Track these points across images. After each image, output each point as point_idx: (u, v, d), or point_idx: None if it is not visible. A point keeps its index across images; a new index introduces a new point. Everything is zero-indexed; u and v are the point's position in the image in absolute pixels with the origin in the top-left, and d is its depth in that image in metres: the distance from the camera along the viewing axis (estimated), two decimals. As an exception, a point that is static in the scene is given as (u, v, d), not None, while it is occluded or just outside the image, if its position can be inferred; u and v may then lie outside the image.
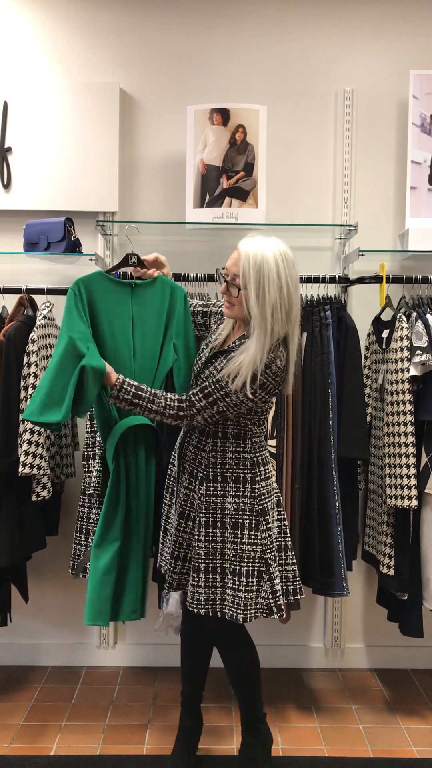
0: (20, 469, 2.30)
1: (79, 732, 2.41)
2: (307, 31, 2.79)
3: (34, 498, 2.34)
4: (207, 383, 1.93)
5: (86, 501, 2.40)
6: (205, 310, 2.25)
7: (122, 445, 2.10)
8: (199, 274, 2.55)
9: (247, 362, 1.86)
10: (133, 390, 1.97)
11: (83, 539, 2.39)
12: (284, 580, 2.08)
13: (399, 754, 2.31)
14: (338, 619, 2.85)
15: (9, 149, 2.73)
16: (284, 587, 2.08)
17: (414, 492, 2.33)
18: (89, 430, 2.42)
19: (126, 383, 1.97)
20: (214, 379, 1.92)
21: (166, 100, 2.80)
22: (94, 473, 2.34)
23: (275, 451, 2.42)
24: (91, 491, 2.36)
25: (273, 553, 2.00)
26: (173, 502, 2.16)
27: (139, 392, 1.97)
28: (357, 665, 2.91)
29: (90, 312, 2.11)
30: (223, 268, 1.96)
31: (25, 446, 2.31)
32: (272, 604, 1.97)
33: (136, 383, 1.99)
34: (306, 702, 2.64)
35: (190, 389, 2.08)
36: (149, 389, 1.99)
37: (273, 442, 2.42)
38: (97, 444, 2.36)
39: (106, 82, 2.76)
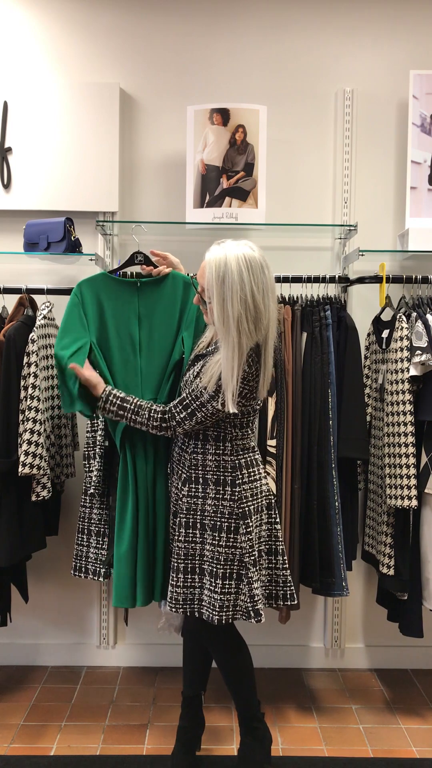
0: (20, 469, 2.30)
1: (79, 732, 2.41)
2: (307, 31, 2.79)
3: (33, 498, 2.35)
4: (185, 394, 1.96)
5: (87, 501, 2.40)
6: None
7: (129, 436, 2.16)
8: (199, 274, 2.55)
9: (216, 376, 1.86)
10: (118, 402, 2.04)
11: (85, 540, 2.39)
12: (273, 584, 2.08)
13: (399, 754, 2.31)
14: (338, 619, 2.85)
15: (9, 149, 2.73)
16: (274, 592, 2.08)
17: (414, 492, 2.33)
18: (89, 430, 2.42)
19: (112, 395, 2.05)
20: (189, 390, 1.94)
21: (166, 100, 2.80)
22: (95, 473, 2.34)
23: (275, 452, 2.42)
24: (92, 491, 2.36)
25: (253, 557, 1.98)
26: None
27: (124, 404, 2.03)
28: (357, 665, 2.91)
29: (95, 311, 2.19)
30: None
31: (24, 446, 2.31)
32: (250, 608, 1.95)
33: (122, 395, 2.05)
34: (306, 702, 2.64)
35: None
36: (135, 400, 2.04)
37: (273, 443, 2.42)
38: (98, 444, 2.36)
39: (106, 82, 2.76)
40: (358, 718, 2.53)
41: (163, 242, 2.79)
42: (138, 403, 2.03)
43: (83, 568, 2.38)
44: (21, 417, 2.37)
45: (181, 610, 1.99)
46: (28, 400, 2.33)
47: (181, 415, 1.95)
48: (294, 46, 2.80)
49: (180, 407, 1.96)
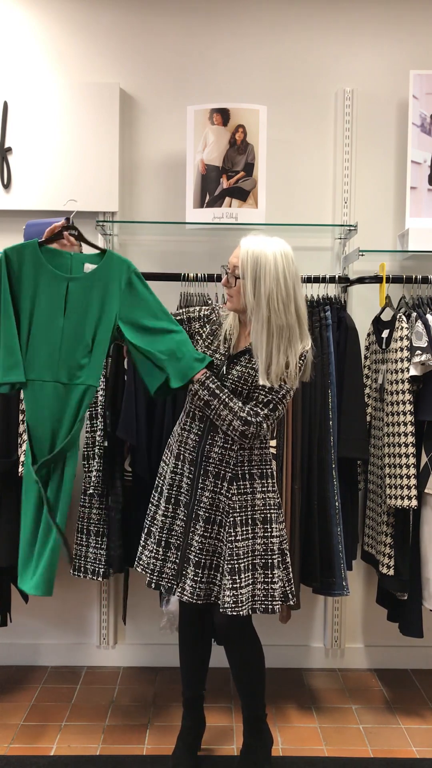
0: (20, 469, 2.30)
1: (79, 732, 2.41)
2: (307, 31, 2.79)
3: (34, 498, 2.34)
4: (260, 395, 1.96)
5: (87, 501, 2.40)
6: (184, 317, 2.14)
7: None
8: (199, 274, 2.55)
9: (276, 360, 1.91)
10: (215, 385, 1.97)
11: (84, 539, 2.39)
12: None
13: (399, 754, 2.31)
14: (338, 619, 2.85)
15: (9, 149, 2.73)
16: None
17: (414, 492, 2.33)
18: (89, 430, 2.42)
19: (211, 377, 1.99)
20: (267, 389, 1.94)
21: (166, 100, 2.80)
22: (94, 473, 2.35)
23: (275, 452, 2.42)
24: (92, 491, 2.36)
25: (286, 543, 2.08)
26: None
27: (218, 390, 1.97)
28: (357, 665, 2.91)
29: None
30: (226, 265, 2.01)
31: (25, 446, 2.30)
32: (288, 591, 2.04)
33: (218, 382, 1.99)
34: (306, 702, 2.64)
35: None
36: (226, 391, 1.97)
37: (273, 443, 2.42)
38: (97, 444, 2.36)
39: (106, 82, 2.76)
40: (358, 718, 2.53)
41: (163, 242, 2.79)
42: (229, 394, 1.97)
43: (83, 568, 2.38)
44: (21, 417, 2.37)
45: (244, 610, 1.96)
46: (28, 400, 2.33)
47: (264, 412, 1.95)
48: (294, 46, 2.80)
49: (260, 405, 1.95)
